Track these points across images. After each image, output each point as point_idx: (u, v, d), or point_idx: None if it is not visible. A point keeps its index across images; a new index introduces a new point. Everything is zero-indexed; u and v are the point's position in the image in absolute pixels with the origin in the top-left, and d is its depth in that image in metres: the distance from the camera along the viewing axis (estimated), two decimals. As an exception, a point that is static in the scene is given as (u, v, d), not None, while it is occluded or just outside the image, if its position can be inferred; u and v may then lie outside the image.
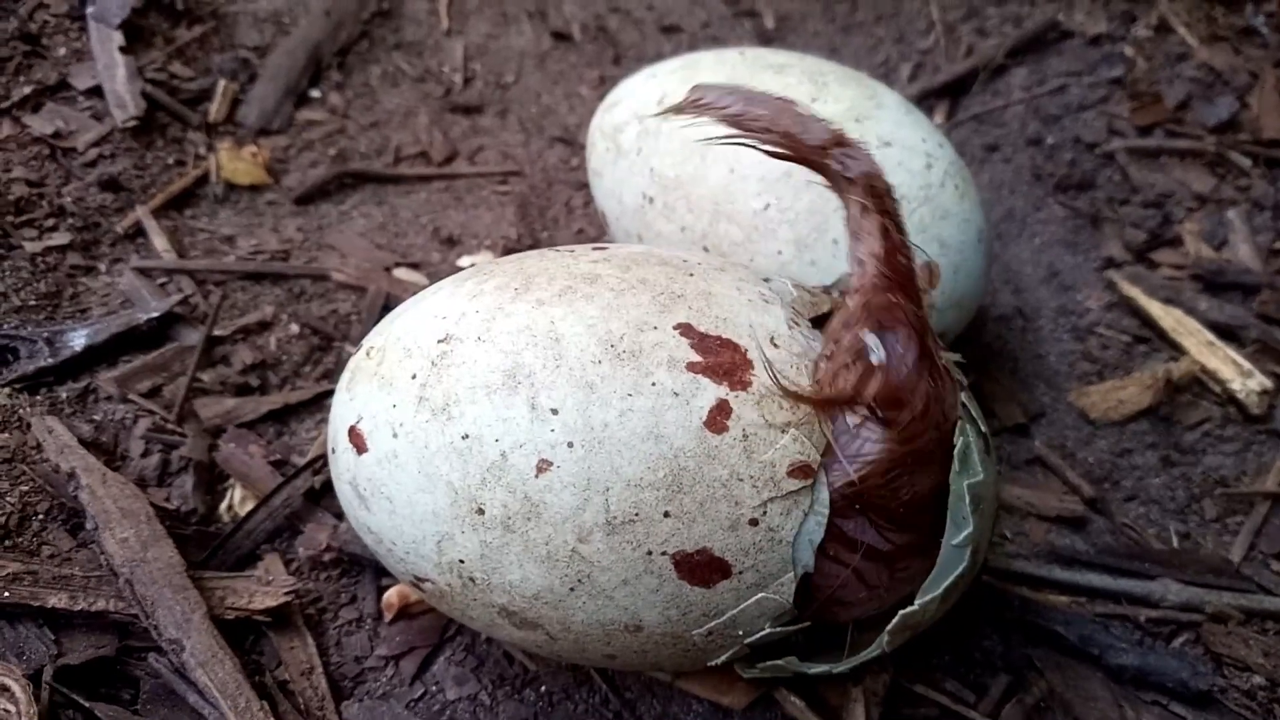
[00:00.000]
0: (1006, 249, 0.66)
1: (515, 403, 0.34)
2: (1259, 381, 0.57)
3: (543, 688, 0.43)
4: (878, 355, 0.33)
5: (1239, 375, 0.57)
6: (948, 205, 0.49)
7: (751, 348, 0.35)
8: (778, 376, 0.33)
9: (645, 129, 0.52)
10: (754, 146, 0.34)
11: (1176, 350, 0.60)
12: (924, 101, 0.75)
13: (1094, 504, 0.52)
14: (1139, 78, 0.75)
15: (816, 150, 0.34)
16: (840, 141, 0.34)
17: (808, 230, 0.47)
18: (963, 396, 0.37)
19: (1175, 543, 0.51)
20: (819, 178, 0.35)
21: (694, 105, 0.35)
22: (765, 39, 0.80)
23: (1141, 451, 0.55)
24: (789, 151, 0.34)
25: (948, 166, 0.50)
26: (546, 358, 0.34)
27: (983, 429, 0.38)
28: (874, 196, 0.34)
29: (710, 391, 0.34)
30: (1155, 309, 0.61)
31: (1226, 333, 0.60)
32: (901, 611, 0.36)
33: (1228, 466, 0.55)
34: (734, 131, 0.34)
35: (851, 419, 0.34)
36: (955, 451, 0.35)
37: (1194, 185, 0.69)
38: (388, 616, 0.45)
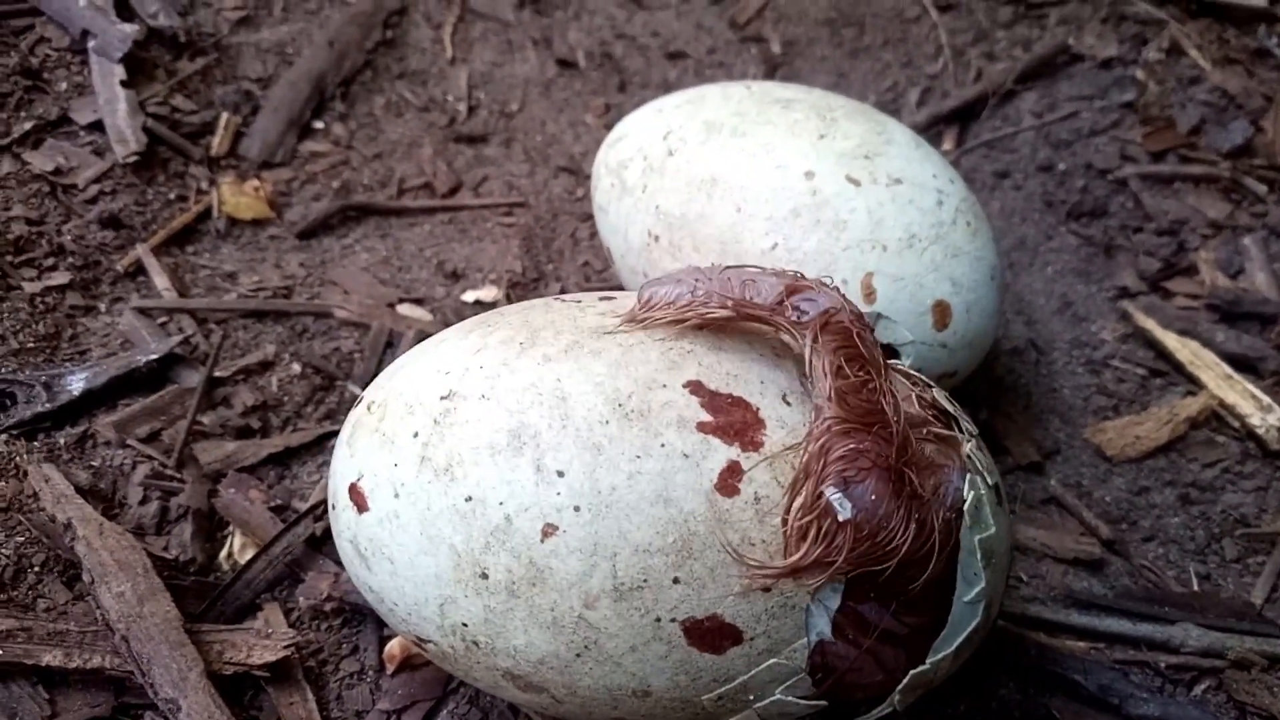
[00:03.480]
0: (1018, 279, 0.65)
1: (520, 464, 0.33)
2: (1279, 416, 0.56)
3: (548, 742, 0.42)
4: (844, 512, 0.31)
5: (1258, 410, 0.56)
6: (960, 243, 0.48)
7: (763, 406, 0.34)
8: (737, 552, 0.32)
9: (650, 165, 0.51)
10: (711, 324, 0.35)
11: (1193, 384, 0.59)
12: (933, 128, 0.74)
13: (1111, 545, 0.51)
14: (1151, 102, 0.74)
15: (770, 309, 0.34)
16: (794, 289, 0.34)
17: (816, 270, 0.46)
18: (971, 446, 0.36)
19: (1195, 585, 0.50)
20: (784, 335, 0.35)
21: (648, 309, 0.35)
22: (771, 64, 0.79)
23: (1159, 489, 0.54)
24: (743, 319, 0.34)
25: (959, 203, 0.49)
26: (552, 417, 0.33)
27: (993, 480, 0.37)
28: (832, 333, 0.33)
29: (721, 453, 0.33)
30: (1171, 341, 0.60)
31: (1244, 365, 0.59)
32: (912, 671, 0.35)
33: (1248, 504, 0.53)
34: (690, 322, 0.35)
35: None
36: (965, 507, 0.34)
37: (1208, 212, 0.68)
38: (390, 668, 0.44)
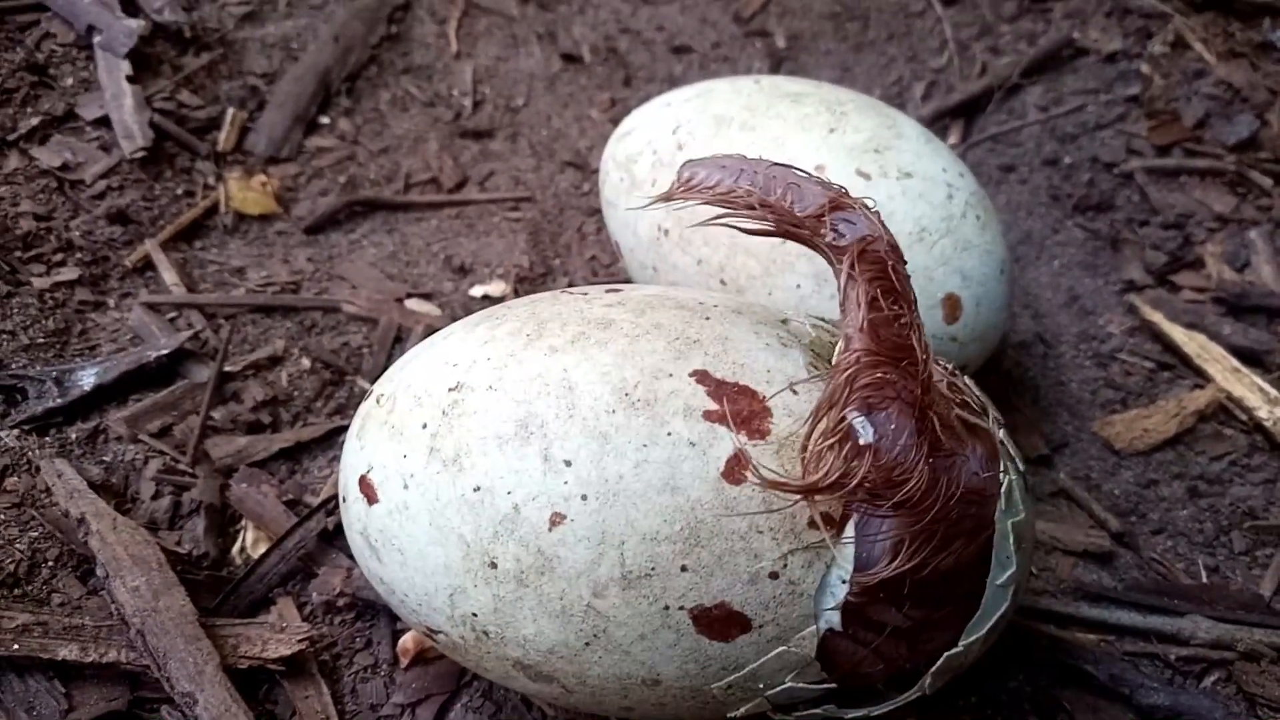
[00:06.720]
0: (1025, 272, 0.65)
1: (528, 454, 0.33)
2: (1286, 409, 0.56)
3: (562, 735, 0.42)
4: (865, 435, 0.31)
5: (1265, 403, 0.56)
6: (969, 237, 0.48)
7: (770, 395, 0.34)
8: (759, 467, 0.32)
9: (659, 159, 0.51)
10: (738, 227, 0.33)
11: (1201, 377, 0.59)
12: (938, 122, 0.74)
13: (1121, 538, 0.51)
14: (1156, 95, 0.74)
15: (806, 221, 0.32)
16: (837, 204, 0.32)
17: (826, 264, 0.46)
18: (1001, 434, 0.36)
19: (1204, 577, 0.50)
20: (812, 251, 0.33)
21: (685, 187, 0.33)
22: (776, 59, 0.79)
23: (1168, 482, 0.54)
24: (775, 226, 0.33)
25: (969, 197, 0.49)
26: (559, 407, 0.33)
27: (1021, 466, 0.38)
28: (868, 263, 0.32)
29: (728, 441, 0.33)
30: (1178, 334, 0.60)
31: (1251, 358, 0.59)
32: (947, 653, 0.35)
33: (1256, 497, 0.54)
34: (722, 211, 0.33)
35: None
36: (1001, 490, 0.35)
37: (1214, 205, 0.68)
38: (404, 662, 0.44)
